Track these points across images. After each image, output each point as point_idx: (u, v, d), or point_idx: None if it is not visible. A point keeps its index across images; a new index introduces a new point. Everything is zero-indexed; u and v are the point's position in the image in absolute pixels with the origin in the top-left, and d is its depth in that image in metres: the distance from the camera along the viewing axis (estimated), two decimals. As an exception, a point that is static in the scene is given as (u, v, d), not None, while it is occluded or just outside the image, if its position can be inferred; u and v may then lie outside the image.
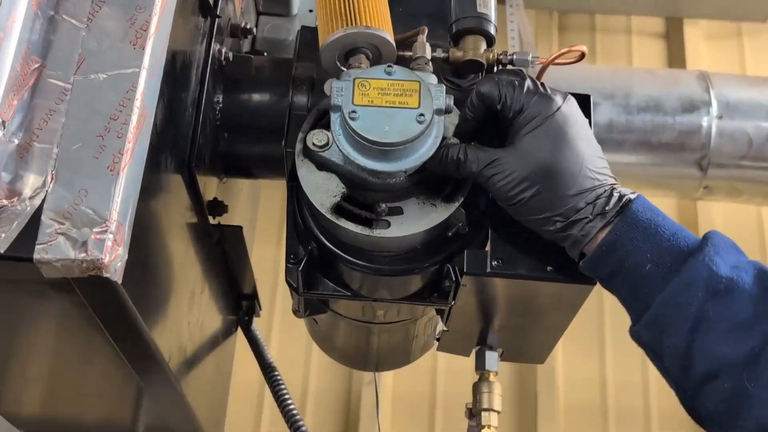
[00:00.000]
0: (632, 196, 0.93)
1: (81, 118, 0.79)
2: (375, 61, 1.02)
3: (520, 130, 0.92)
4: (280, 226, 2.48)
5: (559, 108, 0.93)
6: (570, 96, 0.96)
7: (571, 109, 0.94)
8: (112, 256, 0.76)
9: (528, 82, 0.94)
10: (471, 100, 0.96)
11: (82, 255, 0.75)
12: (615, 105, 2.23)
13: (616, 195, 0.92)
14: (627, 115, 2.22)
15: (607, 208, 0.91)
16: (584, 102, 1.07)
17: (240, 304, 1.53)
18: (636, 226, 0.90)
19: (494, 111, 0.95)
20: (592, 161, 0.93)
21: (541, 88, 0.94)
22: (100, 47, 0.82)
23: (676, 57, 2.99)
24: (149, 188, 0.85)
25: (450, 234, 1.00)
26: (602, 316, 2.52)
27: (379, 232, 0.96)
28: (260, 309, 1.57)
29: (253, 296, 1.53)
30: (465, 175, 0.95)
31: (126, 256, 0.78)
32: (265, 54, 1.41)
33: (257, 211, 1.77)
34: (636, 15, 3.03)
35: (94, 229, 0.75)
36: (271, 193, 2.17)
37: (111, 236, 0.76)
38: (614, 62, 2.99)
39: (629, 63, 3.01)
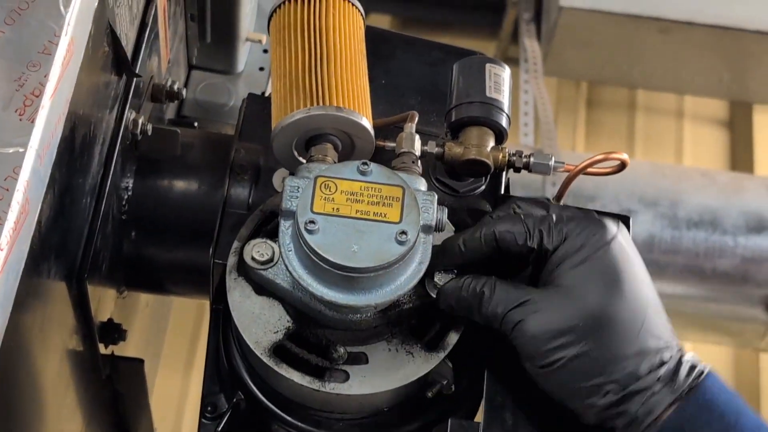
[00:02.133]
0: (705, 369, 0.93)
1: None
2: (345, 154, 1.03)
3: (559, 264, 0.93)
4: (193, 349, 2.46)
5: (614, 237, 0.94)
6: (621, 222, 0.97)
7: (627, 239, 0.96)
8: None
9: (557, 211, 0.96)
10: (476, 239, 0.95)
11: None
12: (658, 216, 2.27)
13: (686, 363, 0.92)
14: (673, 230, 2.26)
15: (677, 379, 0.91)
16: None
17: (131, 463, 1.50)
18: (711, 411, 0.91)
19: (513, 253, 0.95)
20: (657, 314, 0.93)
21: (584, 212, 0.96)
22: (-28, 116, 0.82)
23: (741, 156, 3.06)
24: (22, 306, 0.84)
25: (430, 394, 0.99)
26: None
27: (333, 387, 0.96)
28: (158, 470, 1.54)
29: (151, 452, 1.51)
30: (486, 317, 0.94)
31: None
32: (196, 125, 1.43)
33: (165, 331, 1.76)
34: (691, 95, 3.09)
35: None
36: (186, 306, 2.16)
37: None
38: (658, 156, 3.05)
39: (677, 158, 3.07)
